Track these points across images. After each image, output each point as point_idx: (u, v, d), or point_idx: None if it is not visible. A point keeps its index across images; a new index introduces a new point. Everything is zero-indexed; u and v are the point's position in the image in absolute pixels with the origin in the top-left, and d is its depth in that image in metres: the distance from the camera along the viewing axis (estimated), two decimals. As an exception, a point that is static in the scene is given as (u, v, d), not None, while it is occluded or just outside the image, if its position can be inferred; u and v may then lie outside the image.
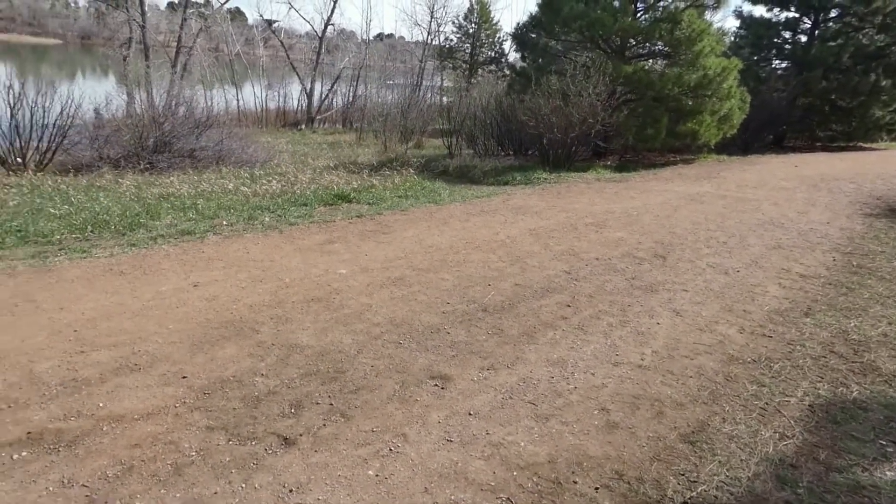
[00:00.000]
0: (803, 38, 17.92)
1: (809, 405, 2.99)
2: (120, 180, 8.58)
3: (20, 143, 9.43)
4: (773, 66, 19.23)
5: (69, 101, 9.93)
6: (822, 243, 6.18)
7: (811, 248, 6.01)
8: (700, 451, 2.57)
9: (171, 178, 9.06)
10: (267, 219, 6.33)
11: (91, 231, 5.65)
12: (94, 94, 13.07)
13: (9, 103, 9.49)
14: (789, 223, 7.07)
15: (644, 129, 12.05)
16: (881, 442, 2.66)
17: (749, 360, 3.48)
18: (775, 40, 18.54)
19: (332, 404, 2.85)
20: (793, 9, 17.84)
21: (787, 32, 18.31)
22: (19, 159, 9.33)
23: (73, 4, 67.20)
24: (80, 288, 4.08)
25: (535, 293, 4.47)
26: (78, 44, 62.35)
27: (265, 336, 3.53)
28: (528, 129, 11.57)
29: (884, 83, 15.98)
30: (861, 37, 16.20)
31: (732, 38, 18.54)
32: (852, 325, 4.01)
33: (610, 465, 2.46)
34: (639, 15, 13.02)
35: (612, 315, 4.11)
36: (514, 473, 2.39)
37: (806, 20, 17.83)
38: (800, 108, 17.29)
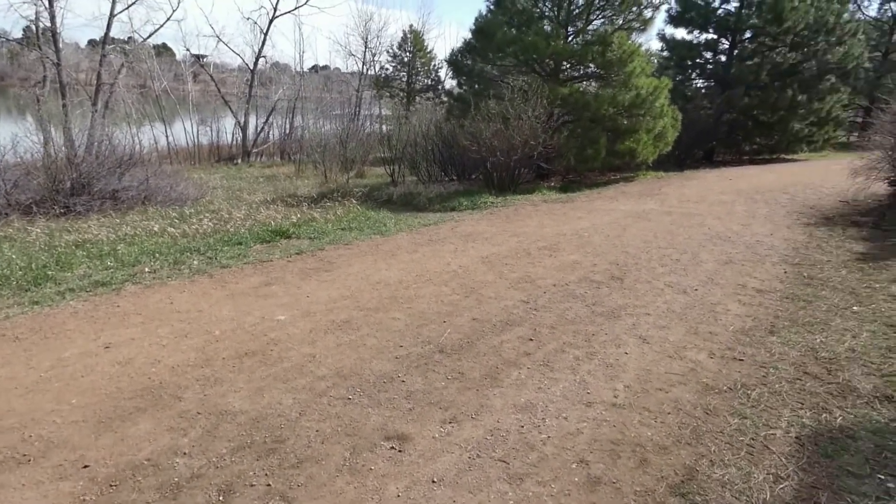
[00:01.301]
0: (723, 58, 18.86)
1: (796, 437, 2.78)
2: (29, 228, 7.75)
3: None
4: (698, 85, 20.15)
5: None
6: (770, 255, 6.21)
7: (761, 260, 6.01)
8: (696, 505, 2.28)
9: (90, 222, 8.28)
10: (196, 262, 5.76)
11: (-13, 289, 4.93)
12: (4, 137, 12.03)
13: None
14: (735, 237, 7.12)
15: (584, 149, 12.16)
16: (879, 477, 2.46)
17: (725, 388, 3.26)
18: (698, 60, 19.44)
19: (269, 485, 2.40)
20: (711, 30, 18.78)
21: (708, 53, 19.25)
22: None
23: (-17, 43, 63.39)
24: (-38, 361, 3.44)
25: (495, 327, 4.15)
26: (-10, 84, 58.64)
27: (189, 403, 3.03)
28: (471, 153, 11.44)
29: (800, 98, 16.95)
30: (775, 55, 17.18)
31: (658, 60, 19.34)
32: (819, 341, 3.90)
33: (600, 533, 2.13)
34: (570, 38, 13.28)
35: (578, 347, 3.84)
36: (492, 558, 2.02)
37: (724, 41, 18.80)
38: (725, 123, 18.09)
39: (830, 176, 12.55)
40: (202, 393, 3.14)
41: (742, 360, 3.62)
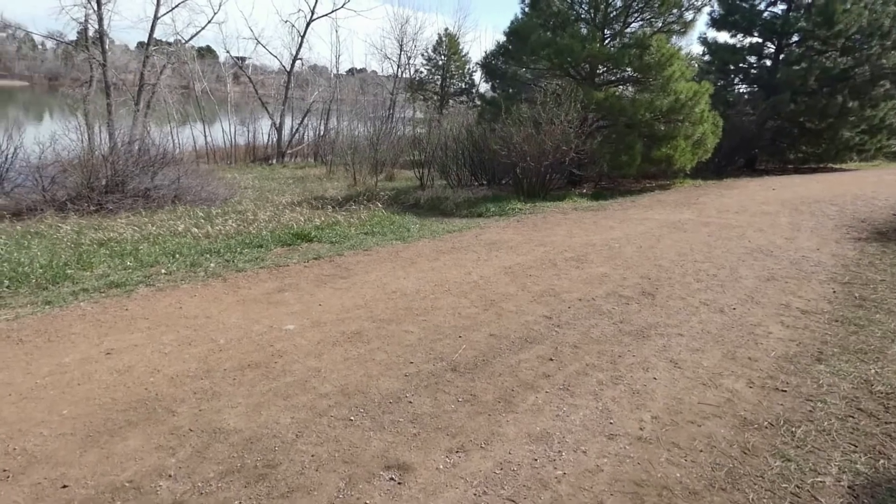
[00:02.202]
0: (768, 63, 18.07)
1: (849, 486, 2.43)
2: (61, 224, 7.84)
3: (-49, 187, 8.66)
4: (741, 90, 19.37)
5: (6, 142, 9.21)
6: (816, 273, 5.74)
7: (806, 278, 5.56)
8: (729, 569, 1.97)
9: (119, 220, 8.34)
10: (212, 265, 5.66)
11: (7, 287, 4.92)
12: (48, 134, 12.34)
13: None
14: (778, 251, 6.65)
15: (618, 155, 11.74)
16: (953, 542, 2.10)
17: (766, 423, 2.92)
18: (741, 65, 18.68)
19: (254, 517, 2.20)
20: (756, 34, 18.03)
21: (753, 57, 18.47)
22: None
23: (40, 47, 66.16)
24: (-37, 363, 3.37)
25: (513, 345, 3.88)
26: (45, 85, 61.24)
27: (183, 419, 2.86)
28: (501, 158, 11.18)
29: (851, 105, 16.06)
30: (825, 60, 16.33)
31: (698, 64, 18.64)
32: (873, 371, 3.49)
33: None
34: (607, 41, 12.86)
35: (602, 369, 3.53)
36: None
37: (770, 45, 18.01)
38: (769, 130, 17.29)
39: (883, 187, 11.81)
40: (198, 407, 2.97)
41: (785, 390, 3.26)
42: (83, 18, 20.97)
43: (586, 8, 13.13)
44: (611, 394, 3.23)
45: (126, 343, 3.70)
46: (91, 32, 21.33)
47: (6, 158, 9.23)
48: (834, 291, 5.12)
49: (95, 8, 20.04)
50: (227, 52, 28.37)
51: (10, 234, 7.21)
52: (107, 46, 21.11)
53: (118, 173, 10.29)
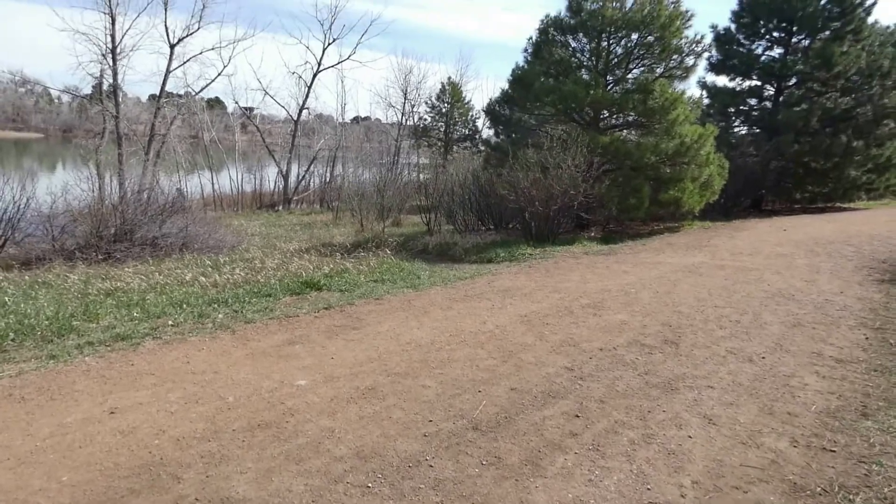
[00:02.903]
0: (769, 104, 18.28)
1: (923, 562, 2.20)
2: (69, 274, 7.75)
3: (-38, 238, 8.63)
4: (742, 131, 19.54)
5: (19, 192, 9.26)
6: (844, 317, 5.55)
7: (834, 323, 5.36)
8: None
9: (126, 269, 8.26)
10: (220, 315, 5.51)
11: (12, 339, 4.78)
12: (60, 184, 12.46)
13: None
14: (800, 294, 6.47)
15: (626, 198, 11.72)
16: None
17: (818, 489, 2.69)
18: (741, 107, 18.91)
19: None
20: (755, 77, 18.32)
21: (753, 99, 18.72)
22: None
23: (56, 100, 68.24)
24: (-40, 426, 3.19)
25: (536, 400, 3.68)
26: (59, 137, 62.78)
27: (188, 486, 2.66)
28: (509, 202, 11.16)
29: (856, 144, 16.12)
30: (826, 100, 16.51)
31: (699, 107, 18.89)
32: (924, 426, 3.27)
33: None
34: (609, 87, 13.05)
35: (632, 427, 3.32)
36: None
37: (769, 87, 18.28)
38: (774, 171, 17.34)
39: (896, 227, 11.68)
40: (205, 473, 2.77)
41: (834, 450, 3.04)
42: (98, 73, 21.60)
43: (588, 55, 13.39)
44: (644, 454, 3.02)
45: (131, 401, 3.52)
46: (105, 86, 21.94)
47: (18, 209, 9.25)
48: (866, 338, 4.91)
49: (111, 63, 20.65)
50: (236, 102, 29.10)
51: (19, 285, 7.12)
52: (120, 99, 21.67)
53: (127, 222, 10.29)
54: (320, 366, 4.22)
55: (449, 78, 30.93)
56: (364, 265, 8.49)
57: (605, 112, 13.14)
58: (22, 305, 5.86)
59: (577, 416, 3.46)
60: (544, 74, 13.01)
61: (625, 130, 13.77)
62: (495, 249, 9.92)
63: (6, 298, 6.19)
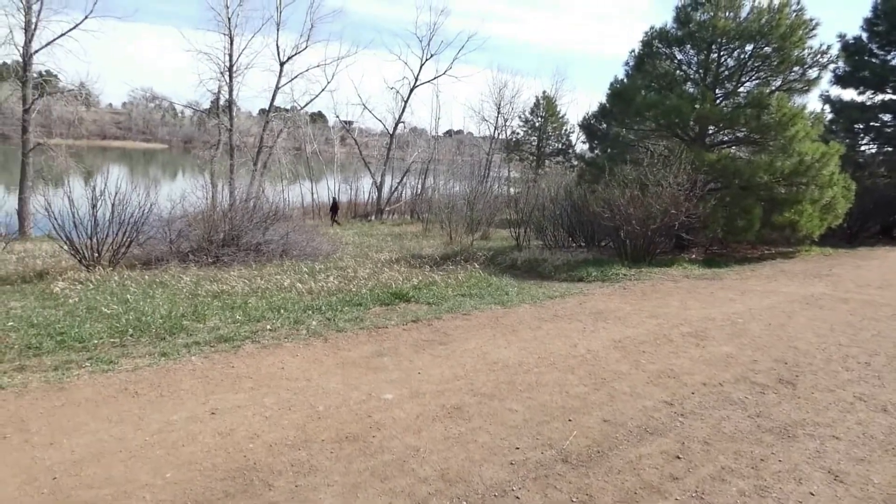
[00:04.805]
0: (906, 121, 16.44)
1: None
2: (182, 276, 8.41)
3: (96, 238, 9.62)
4: (873, 150, 17.66)
5: (144, 198, 10.20)
6: None
7: None
8: None
9: (231, 272, 8.83)
10: (314, 323, 5.71)
11: (131, 335, 5.22)
12: (179, 191, 13.68)
13: (91, 201, 9.82)
14: (946, 337, 5.66)
15: (734, 220, 10.92)
16: None
17: (980, 576, 2.27)
18: (872, 123, 17.12)
19: None
20: (889, 91, 16.54)
21: (887, 115, 16.88)
22: (96, 254, 9.46)
23: (180, 115, 75.38)
24: (84, 414, 3.49)
25: (631, 435, 3.45)
26: (181, 147, 69.26)
27: (278, 494, 2.73)
28: (603, 219, 10.76)
29: None
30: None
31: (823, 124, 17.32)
32: None
33: None
34: (718, 101, 12.27)
35: (742, 476, 3.01)
36: None
37: (907, 101, 16.44)
38: (910, 194, 15.50)
39: None
40: (294, 483, 2.83)
41: None
42: (216, 89, 23.57)
43: (695, 68, 12.72)
44: (758, 510, 2.71)
45: (230, 403, 3.70)
46: (222, 101, 23.91)
47: (143, 213, 10.18)
48: None
49: (227, 80, 22.45)
50: (337, 116, 30.56)
51: (140, 283, 7.82)
52: (234, 113, 23.53)
53: (235, 228, 11.04)
54: (407, 380, 4.22)
55: (544, 92, 30.71)
56: (452, 278, 8.50)
57: (713, 127, 12.36)
58: (141, 303, 6.41)
59: (678, 458, 3.19)
60: (646, 88, 12.48)
61: (733, 147, 12.87)
62: (587, 268, 9.59)
63: (128, 296, 6.80)
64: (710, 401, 4.01)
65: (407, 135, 31.76)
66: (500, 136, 31.16)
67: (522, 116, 31.17)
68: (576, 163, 25.48)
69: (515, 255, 11.33)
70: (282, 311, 6.22)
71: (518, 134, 31.63)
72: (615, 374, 4.47)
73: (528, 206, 14.23)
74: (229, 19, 21.42)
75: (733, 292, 7.85)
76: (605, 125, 16.50)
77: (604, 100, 14.33)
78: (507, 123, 31.02)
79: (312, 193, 28.08)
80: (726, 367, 4.73)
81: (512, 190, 25.33)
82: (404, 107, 27.36)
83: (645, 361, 4.81)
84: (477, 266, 9.79)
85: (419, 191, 28.04)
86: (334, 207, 23.34)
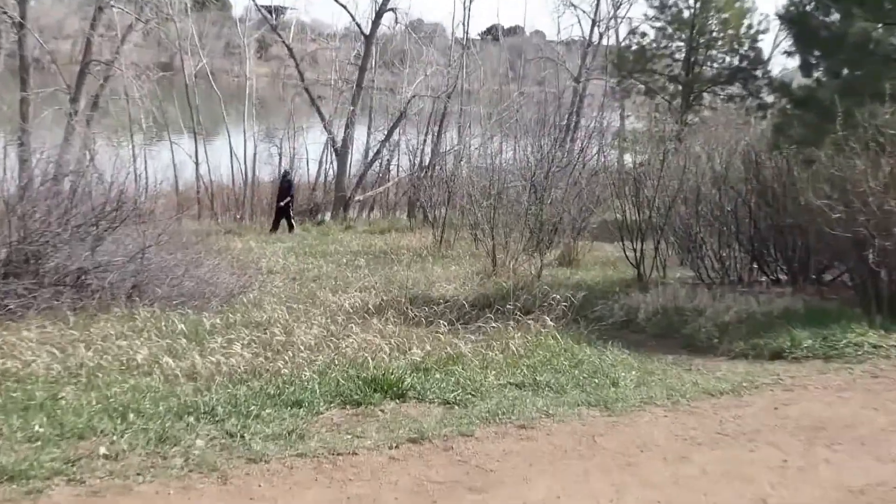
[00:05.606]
0: None
1: None
2: None
3: None
4: None
5: None
6: None
7: None
8: None
9: (27, 331, 8.98)
10: (199, 443, 5.82)
11: None
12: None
13: None
14: None
15: None
16: None
17: None
18: None
19: None
20: None
21: None
22: None
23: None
24: None
25: None
26: None
27: None
28: (828, 226, 10.82)
29: None
30: None
31: None
32: None
33: None
34: None
35: None
36: None
37: None
38: None
39: None
40: None
41: None
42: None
43: None
44: None
45: None
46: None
47: None
48: None
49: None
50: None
51: None
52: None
53: (30, 237, 11.21)
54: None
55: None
56: (497, 348, 8.61)
57: None
58: None
59: None
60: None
61: None
62: (791, 328, 9.69)
63: None
64: None
65: (399, 38, 32.07)
66: (605, 43, 31.43)
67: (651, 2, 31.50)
68: (770, 100, 25.61)
69: (635, 300, 11.44)
70: (131, 416, 6.33)
71: (644, 36, 31.91)
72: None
73: (662, 196, 14.34)
74: None
75: None
76: (838, 16, 16.60)
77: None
78: (621, 15, 31.31)
79: (197, 164, 28.21)
80: None
81: (627, 159, 25.40)
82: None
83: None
84: (550, 322, 9.88)
85: (425, 161, 28.10)
86: (283, 192, 23.71)
